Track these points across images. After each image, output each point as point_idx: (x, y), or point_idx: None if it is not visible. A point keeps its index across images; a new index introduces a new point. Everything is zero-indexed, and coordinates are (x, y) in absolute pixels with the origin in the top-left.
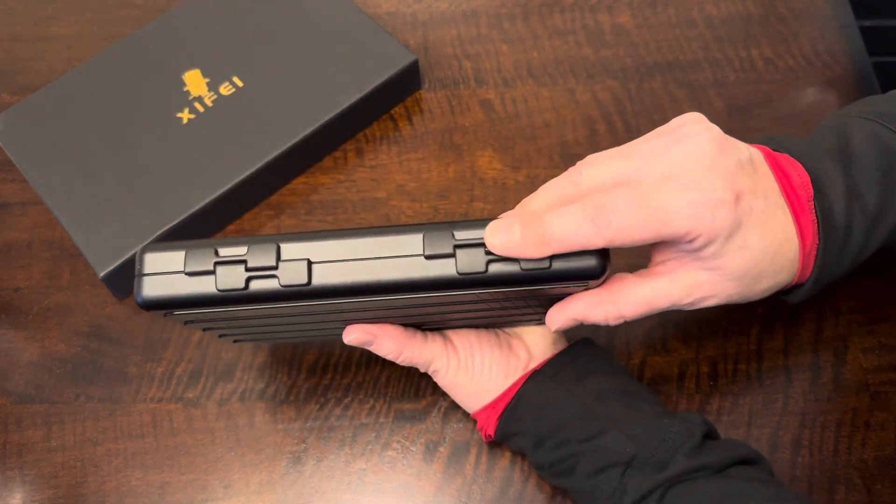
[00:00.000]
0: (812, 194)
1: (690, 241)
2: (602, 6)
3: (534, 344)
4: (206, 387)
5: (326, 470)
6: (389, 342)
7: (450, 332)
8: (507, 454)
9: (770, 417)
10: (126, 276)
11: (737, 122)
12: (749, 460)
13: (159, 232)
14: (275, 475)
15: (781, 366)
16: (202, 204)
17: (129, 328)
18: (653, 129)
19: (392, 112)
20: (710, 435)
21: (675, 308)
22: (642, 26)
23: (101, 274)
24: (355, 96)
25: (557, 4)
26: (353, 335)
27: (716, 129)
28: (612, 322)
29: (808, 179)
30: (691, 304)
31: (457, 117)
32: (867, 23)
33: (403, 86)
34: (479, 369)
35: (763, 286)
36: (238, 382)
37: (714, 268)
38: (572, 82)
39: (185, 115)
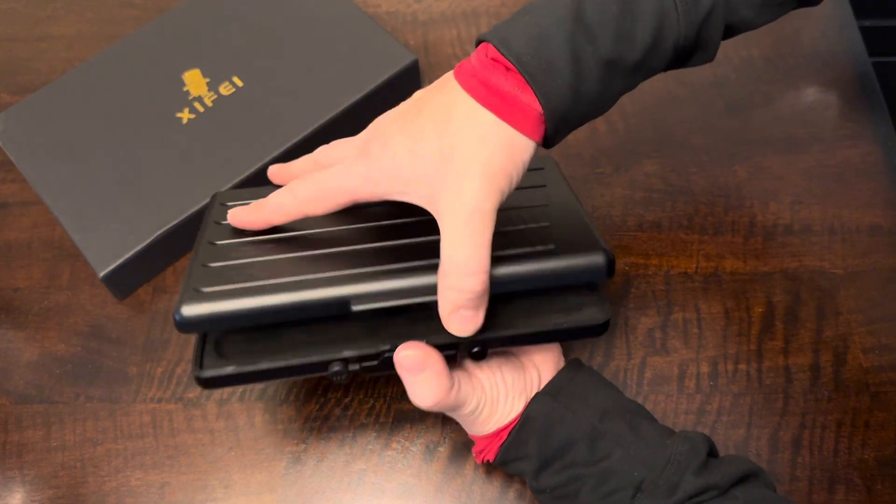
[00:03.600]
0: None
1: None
2: None
3: (542, 365)
4: None
5: (326, 470)
6: (439, 378)
7: (471, 367)
8: None
9: (770, 417)
10: (126, 276)
11: (737, 122)
12: (751, 474)
13: (159, 232)
14: (275, 475)
15: (781, 366)
16: (202, 204)
17: (128, 328)
18: (652, 129)
19: None
20: (712, 453)
21: None
22: None
23: (101, 274)
24: (355, 96)
25: None
26: (409, 351)
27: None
28: None
29: (491, 57)
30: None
31: None
32: (867, 23)
33: (403, 86)
34: (504, 400)
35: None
36: None
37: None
38: None
39: (185, 115)
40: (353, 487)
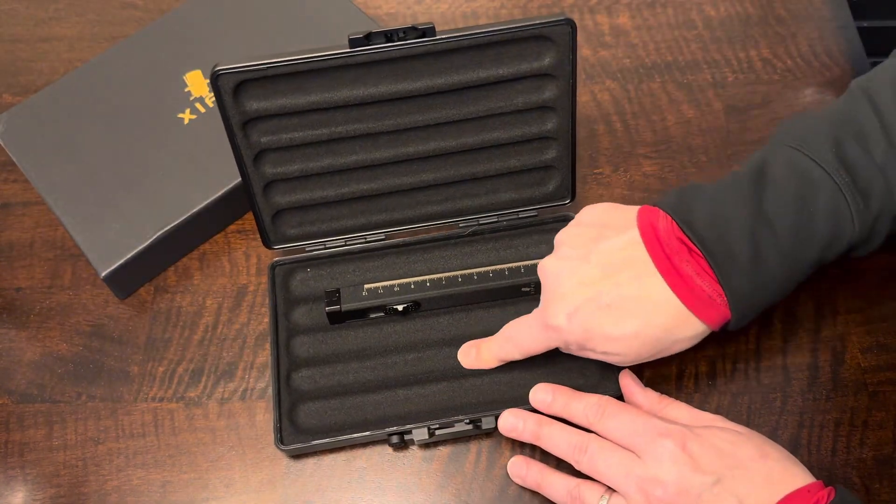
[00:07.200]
0: (689, 247)
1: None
2: (601, 7)
3: None
4: (208, 386)
5: (327, 468)
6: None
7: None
8: (507, 452)
9: (769, 417)
10: (127, 276)
11: (735, 123)
12: None
13: (161, 232)
14: (276, 474)
15: (780, 365)
16: (203, 204)
17: (130, 328)
18: (651, 129)
19: None
20: None
21: None
22: (641, 27)
23: (103, 274)
24: None
25: (557, 5)
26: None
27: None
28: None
29: (675, 235)
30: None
31: None
32: (865, 24)
33: None
34: None
35: (671, 343)
36: (239, 381)
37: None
38: None
39: (187, 116)
40: (353, 486)
